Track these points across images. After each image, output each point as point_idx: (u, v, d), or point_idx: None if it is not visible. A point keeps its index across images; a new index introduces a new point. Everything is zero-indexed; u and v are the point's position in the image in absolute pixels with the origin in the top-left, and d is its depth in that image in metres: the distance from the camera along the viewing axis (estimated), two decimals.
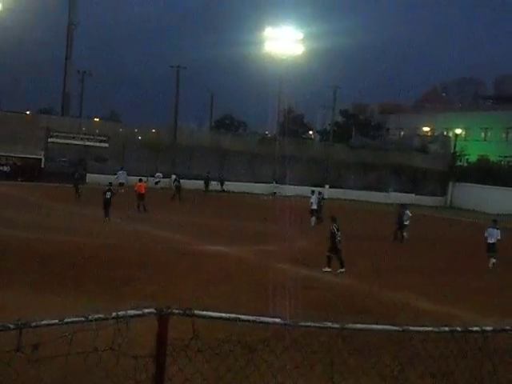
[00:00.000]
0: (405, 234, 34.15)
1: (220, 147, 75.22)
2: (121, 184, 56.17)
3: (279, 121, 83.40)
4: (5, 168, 65.57)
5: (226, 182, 68.96)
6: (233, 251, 24.98)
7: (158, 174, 64.27)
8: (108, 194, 33.75)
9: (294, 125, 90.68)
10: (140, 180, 42.92)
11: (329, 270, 21.78)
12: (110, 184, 36.60)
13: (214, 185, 66.21)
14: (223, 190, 65.08)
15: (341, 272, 21.59)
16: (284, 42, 78.75)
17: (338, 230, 22.47)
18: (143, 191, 40.40)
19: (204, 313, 5.04)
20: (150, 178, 59.79)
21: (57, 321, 4.50)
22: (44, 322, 4.50)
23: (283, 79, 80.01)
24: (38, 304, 12.17)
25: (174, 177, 60.95)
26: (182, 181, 56.78)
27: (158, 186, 62.26)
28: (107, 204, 33.33)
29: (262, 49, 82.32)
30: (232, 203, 51.57)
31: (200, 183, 65.06)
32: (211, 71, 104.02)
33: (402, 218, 34.26)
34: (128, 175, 57.99)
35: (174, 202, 49.37)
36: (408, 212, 35.23)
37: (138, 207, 38.89)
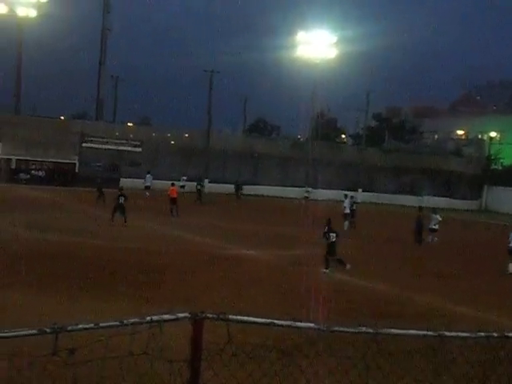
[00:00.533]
0: (434, 238, 33.92)
1: (253, 151, 75.37)
2: (147, 187, 56.63)
3: (312, 125, 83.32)
4: (40, 173, 66.35)
5: (258, 186, 68.99)
6: (264, 255, 24.99)
7: (183, 177, 63.88)
8: (121, 199, 33.60)
9: (326, 129, 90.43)
10: (172, 184, 43.05)
11: (326, 270, 21.90)
12: (121, 188, 36.24)
13: (246, 189, 66.28)
14: (239, 195, 64.41)
15: (324, 272, 21.65)
16: (317, 45, 78.72)
17: (331, 231, 22.86)
18: (175, 195, 40.61)
19: (238, 317, 5.04)
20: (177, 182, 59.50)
21: (92, 325, 4.53)
22: (80, 326, 4.52)
23: (316, 83, 79.94)
24: (73, 308, 12.28)
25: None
26: (214, 185, 56.84)
27: (183, 190, 61.51)
28: (120, 208, 33.21)
29: (295, 53, 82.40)
30: (264, 207, 51.58)
31: (232, 187, 65.27)
32: (244, 75, 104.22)
33: (421, 222, 34.08)
34: (161, 179, 58.25)
35: (198, 205, 49.41)
36: (437, 216, 34.95)
37: (171, 211, 39.05)
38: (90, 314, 10.20)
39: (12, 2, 71.69)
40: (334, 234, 23.01)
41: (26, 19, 73.19)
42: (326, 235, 23.02)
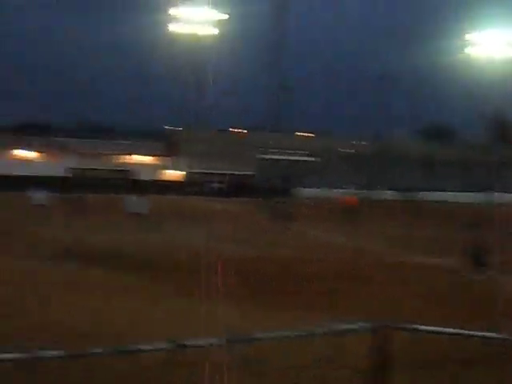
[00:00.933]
0: None
1: (429, 156, 73.85)
2: (310, 198, 55.24)
3: (490, 127, 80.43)
4: (219, 185, 68.52)
5: (435, 192, 67.34)
6: (440, 263, 24.25)
7: (351, 186, 61.83)
8: (279, 206, 34.08)
9: (506, 131, 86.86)
10: (347, 194, 42.94)
11: None
12: (280, 199, 36.33)
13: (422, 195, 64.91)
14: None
15: None
16: (490, 45, 75.94)
17: None
18: (353, 204, 40.59)
19: (424, 327, 4.97)
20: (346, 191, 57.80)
21: (278, 334, 4.63)
22: (266, 335, 4.64)
23: (494, 84, 77.03)
24: (257, 318, 12.52)
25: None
26: (389, 192, 55.84)
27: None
28: (283, 216, 33.62)
29: (467, 54, 79.90)
30: (440, 213, 50.07)
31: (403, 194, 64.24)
32: (417, 79, 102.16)
33: None
34: (336, 188, 58.24)
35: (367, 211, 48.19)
36: None
37: (348, 219, 38.95)
38: (272, 324, 10.38)
39: (194, 21, 74.75)
40: None
41: (207, 37, 76.10)
42: None
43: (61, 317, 11.19)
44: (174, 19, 74.12)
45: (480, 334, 5.16)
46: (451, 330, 5.22)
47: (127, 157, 71.80)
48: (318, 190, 59.70)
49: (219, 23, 75.67)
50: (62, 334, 9.30)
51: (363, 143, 78.86)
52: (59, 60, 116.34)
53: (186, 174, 69.64)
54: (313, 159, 73.42)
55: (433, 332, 5.11)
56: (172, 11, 73.31)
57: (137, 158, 71.83)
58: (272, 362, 4.90)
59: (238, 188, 68.00)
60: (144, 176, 68.51)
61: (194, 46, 77.25)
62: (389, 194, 65.89)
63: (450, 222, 41.73)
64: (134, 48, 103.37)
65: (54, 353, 4.34)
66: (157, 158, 71.98)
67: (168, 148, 72.25)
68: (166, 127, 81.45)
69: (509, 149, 75.88)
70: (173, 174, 70.79)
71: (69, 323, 10.61)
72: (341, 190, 53.46)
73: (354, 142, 79.31)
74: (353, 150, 76.69)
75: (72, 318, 11.14)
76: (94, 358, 4.50)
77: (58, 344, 6.49)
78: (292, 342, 5.41)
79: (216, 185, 68.28)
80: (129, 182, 66.05)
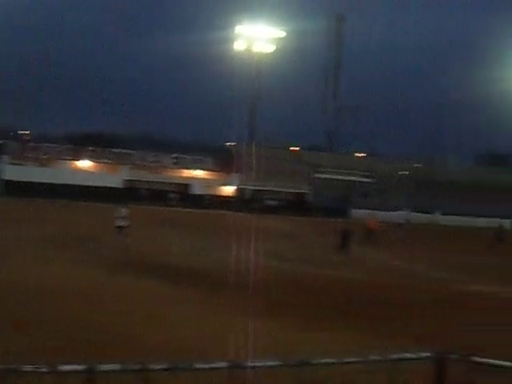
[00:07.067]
0: None
1: (485, 183, 72.53)
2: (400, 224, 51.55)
3: None
4: (274, 202, 68.52)
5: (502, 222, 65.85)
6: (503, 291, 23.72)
7: (403, 211, 57.01)
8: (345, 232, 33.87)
9: None
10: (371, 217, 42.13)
11: None
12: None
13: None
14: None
15: None
16: None
17: None
18: (373, 227, 40.39)
19: (484, 360, 4.86)
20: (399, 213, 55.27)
21: (335, 360, 4.60)
22: (324, 361, 4.61)
23: None
24: (308, 339, 12.48)
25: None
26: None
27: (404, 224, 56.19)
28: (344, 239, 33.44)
29: None
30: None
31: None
32: (472, 102, 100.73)
33: None
34: (390, 211, 57.26)
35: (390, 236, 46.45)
36: None
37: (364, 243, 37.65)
38: (325, 347, 10.32)
39: (251, 38, 75.41)
40: None
41: (263, 54, 76.72)
42: None
43: None
44: (238, 36, 75.01)
45: None
46: (510, 364, 5.09)
47: (185, 171, 72.34)
48: (373, 211, 59.01)
49: (281, 40, 76.39)
50: None
51: (417, 165, 78.18)
52: (127, 74, 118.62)
53: (241, 190, 69.80)
54: (369, 180, 73.01)
55: (491, 365, 4.99)
56: (237, 29, 74.30)
57: (195, 173, 72.27)
58: None
59: (293, 206, 67.94)
60: (199, 190, 68.95)
61: (257, 62, 77.94)
62: (440, 219, 65.14)
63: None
64: (200, 64, 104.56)
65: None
66: (215, 173, 72.30)
67: (226, 164, 72.62)
68: (227, 144, 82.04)
69: None
70: (229, 190, 71.03)
71: None
72: (393, 213, 52.74)
73: (414, 165, 78.70)
74: (406, 172, 76.10)
75: None
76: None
77: None
78: (347, 367, 5.35)
79: (269, 202, 68.29)
80: (184, 195, 66.62)
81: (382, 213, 57.09)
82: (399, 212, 54.51)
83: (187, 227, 39.53)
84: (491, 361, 4.91)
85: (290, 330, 13.74)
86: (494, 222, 63.44)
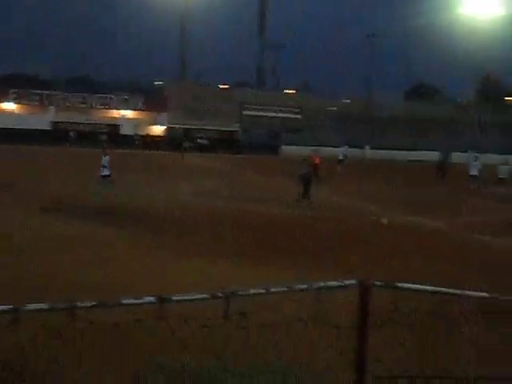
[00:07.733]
0: None
1: (415, 116, 73.79)
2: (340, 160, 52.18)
3: (476, 88, 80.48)
4: (203, 141, 68.33)
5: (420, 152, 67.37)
6: (428, 222, 24.42)
7: (342, 148, 58.77)
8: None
9: (492, 91, 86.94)
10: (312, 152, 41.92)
11: None
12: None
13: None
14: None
15: None
16: (482, 2, 75.83)
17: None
18: (316, 162, 40.33)
19: (406, 285, 5.02)
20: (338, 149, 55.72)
21: (262, 290, 4.66)
22: (251, 292, 4.68)
23: (477, 44, 76.98)
24: (237, 274, 12.61)
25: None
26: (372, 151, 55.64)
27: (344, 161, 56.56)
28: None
29: (456, 14, 79.73)
30: (420, 173, 49.99)
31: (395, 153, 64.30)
32: (403, 38, 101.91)
33: None
34: (320, 146, 57.60)
35: (362, 171, 48.53)
36: None
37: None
38: (253, 280, 10.45)
39: None
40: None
41: None
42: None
43: None
44: None
45: (469, 293, 5.23)
46: (432, 288, 5.27)
47: (114, 111, 71.23)
48: (303, 147, 59.36)
49: None
50: None
51: (347, 101, 78.76)
52: (53, 14, 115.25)
53: (171, 129, 69.23)
54: (299, 117, 73.25)
55: (412, 290, 5.16)
56: None
57: (123, 113, 71.24)
58: (251, 318, 4.93)
59: (222, 144, 67.88)
60: (129, 131, 68.11)
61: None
62: (370, 153, 66.23)
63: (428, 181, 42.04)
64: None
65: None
66: (145, 112, 71.37)
67: (156, 103, 71.66)
68: (155, 82, 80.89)
69: (493, 110, 76.00)
70: (158, 129, 70.39)
71: None
72: (326, 148, 53.14)
73: (342, 101, 79.26)
74: (335, 108, 76.48)
75: None
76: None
77: None
78: (275, 298, 5.43)
79: (200, 141, 68.06)
80: (113, 136, 65.63)
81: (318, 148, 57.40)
82: (338, 148, 54.96)
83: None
84: (413, 286, 5.07)
85: (222, 265, 13.86)
86: (423, 154, 64.86)
